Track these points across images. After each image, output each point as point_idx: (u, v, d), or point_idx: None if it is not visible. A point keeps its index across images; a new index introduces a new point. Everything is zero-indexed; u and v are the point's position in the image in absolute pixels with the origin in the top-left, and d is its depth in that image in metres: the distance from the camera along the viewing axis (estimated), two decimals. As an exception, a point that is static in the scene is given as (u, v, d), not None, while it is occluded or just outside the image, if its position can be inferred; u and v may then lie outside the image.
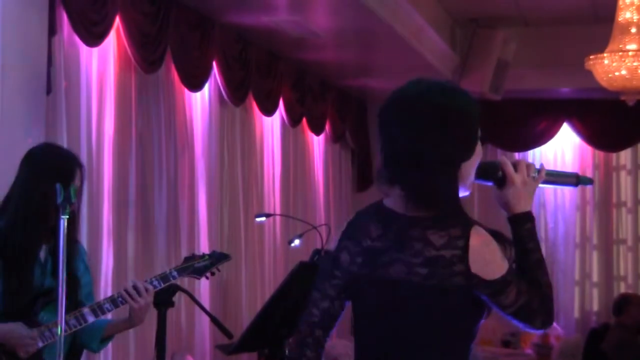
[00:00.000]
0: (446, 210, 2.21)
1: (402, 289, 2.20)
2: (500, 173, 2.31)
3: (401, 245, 2.21)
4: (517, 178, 2.29)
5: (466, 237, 2.17)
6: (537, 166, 2.36)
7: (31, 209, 3.28)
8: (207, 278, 3.64)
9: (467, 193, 2.30)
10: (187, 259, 3.61)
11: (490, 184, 2.34)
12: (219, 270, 3.65)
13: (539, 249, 2.27)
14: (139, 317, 3.39)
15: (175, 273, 3.50)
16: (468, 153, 2.24)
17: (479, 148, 2.28)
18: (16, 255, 3.26)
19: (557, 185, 2.45)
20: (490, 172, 2.32)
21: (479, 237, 2.19)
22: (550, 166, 10.23)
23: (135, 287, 3.35)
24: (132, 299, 3.33)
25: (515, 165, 2.31)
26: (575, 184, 2.40)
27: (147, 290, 3.36)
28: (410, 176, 2.20)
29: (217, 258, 3.64)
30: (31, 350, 3.22)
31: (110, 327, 3.46)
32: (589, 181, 2.43)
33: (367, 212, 2.33)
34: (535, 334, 2.17)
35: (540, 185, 2.35)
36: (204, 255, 3.62)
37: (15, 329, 3.20)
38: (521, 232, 2.28)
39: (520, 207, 2.29)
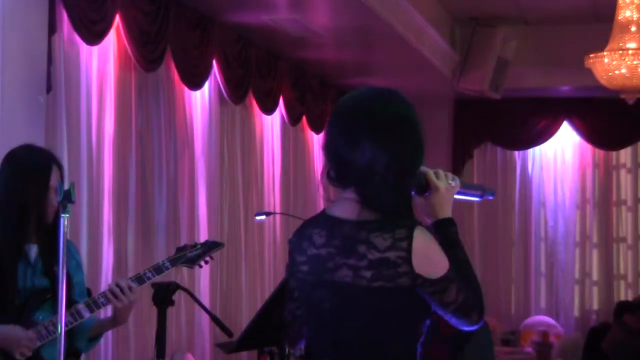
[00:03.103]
0: (394, 214, 2.25)
1: (349, 293, 2.23)
2: (423, 181, 2.36)
3: (346, 250, 2.25)
4: (441, 185, 2.36)
5: (410, 238, 2.21)
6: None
7: (10, 209, 3.28)
8: (200, 267, 3.64)
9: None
10: (179, 250, 3.60)
11: (418, 194, 2.38)
12: (212, 258, 3.65)
13: (464, 249, 2.34)
14: (123, 316, 3.39)
15: (168, 264, 3.49)
16: (422, 159, 2.31)
17: None
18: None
19: (466, 197, 2.51)
20: (418, 182, 2.36)
21: (422, 238, 2.23)
22: (551, 165, 10.33)
23: (118, 286, 3.34)
24: (116, 298, 3.33)
25: (437, 173, 2.38)
26: (481, 196, 2.52)
27: (130, 288, 3.35)
28: (366, 183, 2.25)
29: (209, 246, 3.64)
30: (27, 353, 3.21)
31: (96, 326, 3.45)
32: (492, 193, 2.54)
33: (310, 222, 2.38)
34: (470, 330, 2.16)
35: (455, 196, 2.42)
36: (196, 244, 3.62)
37: (11, 332, 3.19)
38: (448, 235, 2.33)
39: (445, 213, 2.36)
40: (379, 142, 2.24)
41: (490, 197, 2.55)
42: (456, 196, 2.43)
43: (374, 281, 2.20)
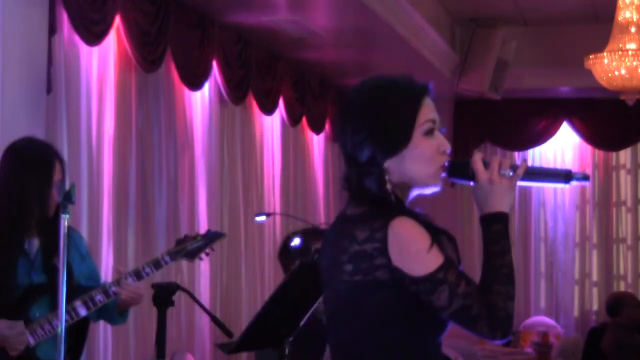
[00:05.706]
0: (376, 207, 2.11)
1: (338, 288, 2.15)
2: (471, 170, 2.13)
3: (335, 244, 2.16)
4: (482, 175, 2.11)
5: (385, 229, 2.04)
6: (520, 163, 2.15)
7: (11, 203, 3.27)
8: (201, 259, 3.61)
9: (427, 190, 2.16)
10: (179, 242, 3.56)
11: (469, 182, 2.15)
12: (212, 249, 3.61)
13: (504, 254, 2.08)
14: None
15: (167, 258, 3.47)
16: (388, 148, 2.12)
17: (421, 142, 2.13)
18: None
19: (545, 183, 2.21)
20: (461, 169, 2.15)
21: (400, 228, 2.04)
22: (551, 166, 10.28)
23: (136, 291, 3.36)
24: (134, 298, 3.36)
25: (488, 161, 2.13)
26: (566, 181, 2.13)
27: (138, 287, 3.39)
28: (345, 175, 2.18)
29: (210, 238, 3.59)
30: (20, 347, 3.17)
31: (120, 305, 3.46)
32: (584, 177, 2.14)
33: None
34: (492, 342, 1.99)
35: (525, 184, 2.15)
36: (197, 235, 3.58)
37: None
38: (486, 234, 2.10)
39: (489, 207, 2.10)
40: (339, 133, 2.20)
41: (584, 182, 2.14)
42: (524, 183, 2.15)
43: (354, 275, 2.08)
